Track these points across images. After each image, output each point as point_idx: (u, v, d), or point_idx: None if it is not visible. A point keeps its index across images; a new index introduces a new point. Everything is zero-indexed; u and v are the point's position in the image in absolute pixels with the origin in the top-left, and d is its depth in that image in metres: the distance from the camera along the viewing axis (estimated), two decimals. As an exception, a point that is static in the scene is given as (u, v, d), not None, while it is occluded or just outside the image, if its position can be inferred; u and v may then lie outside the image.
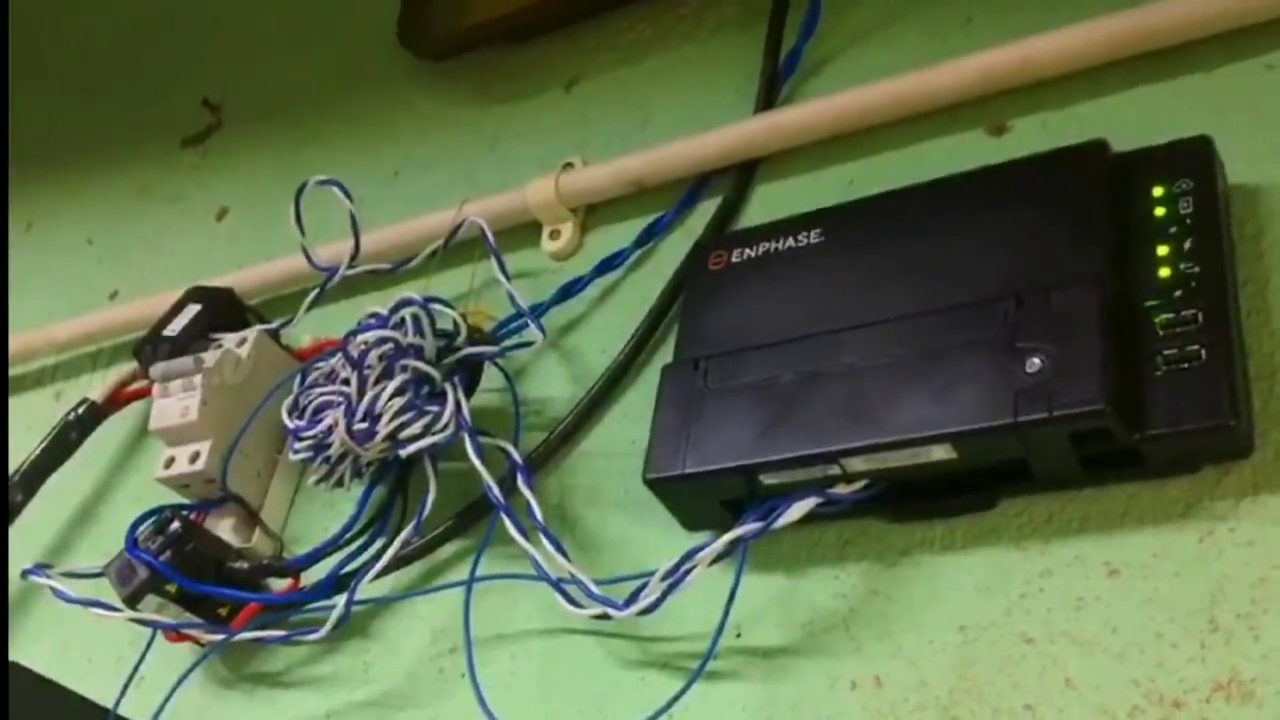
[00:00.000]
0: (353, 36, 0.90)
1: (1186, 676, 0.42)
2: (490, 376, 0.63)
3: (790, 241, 0.55)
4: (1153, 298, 0.46)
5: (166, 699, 0.62)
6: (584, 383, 0.62)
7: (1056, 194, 0.50)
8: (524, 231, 0.70)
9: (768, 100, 0.66)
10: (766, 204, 0.63)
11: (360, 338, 0.58)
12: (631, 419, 0.60)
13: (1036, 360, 0.45)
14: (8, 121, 1.04)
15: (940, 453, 0.47)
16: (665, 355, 0.58)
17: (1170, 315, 0.45)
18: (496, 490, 0.56)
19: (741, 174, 0.65)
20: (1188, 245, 0.47)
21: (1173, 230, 0.47)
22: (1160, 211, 0.48)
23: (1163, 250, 0.47)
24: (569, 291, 0.65)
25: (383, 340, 0.58)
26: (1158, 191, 0.48)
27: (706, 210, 0.65)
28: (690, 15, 0.73)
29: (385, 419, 0.57)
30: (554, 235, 0.69)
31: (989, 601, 0.47)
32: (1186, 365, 0.44)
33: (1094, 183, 0.49)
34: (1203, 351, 0.44)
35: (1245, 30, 0.53)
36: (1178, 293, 0.46)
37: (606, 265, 0.65)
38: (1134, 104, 0.55)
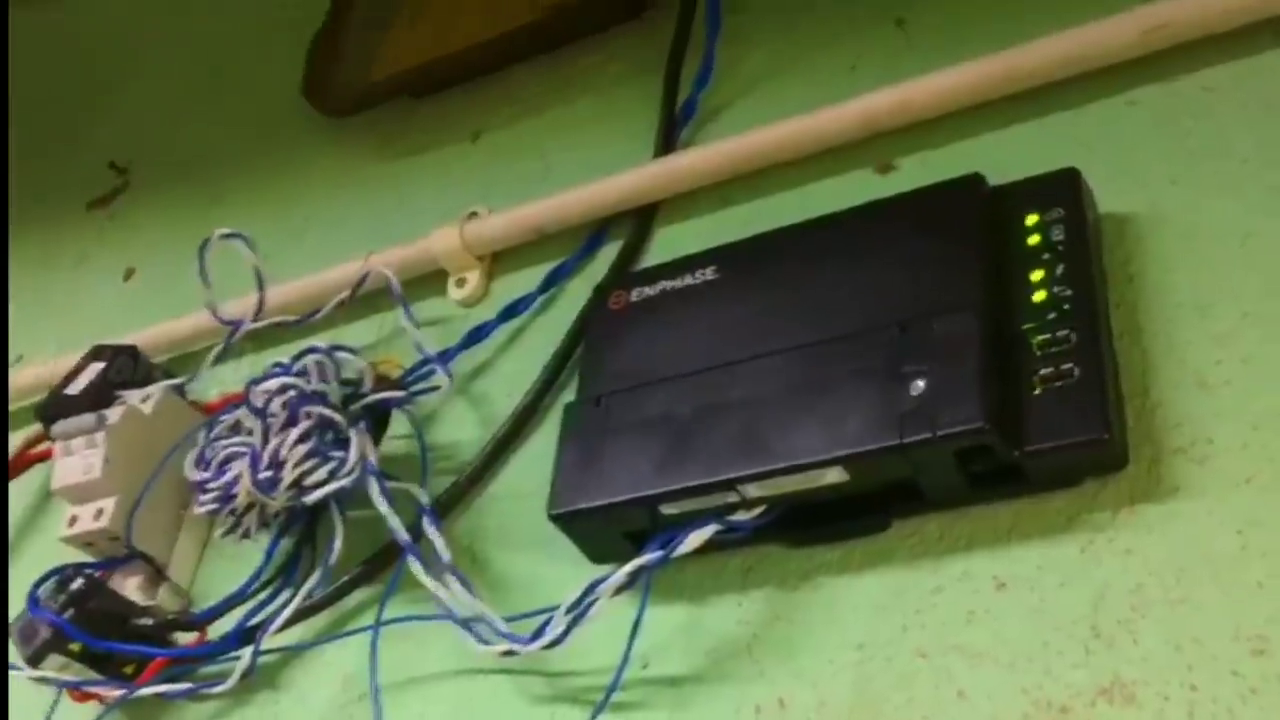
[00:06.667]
0: (258, 95, 0.91)
1: (1072, 682, 0.43)
2: (399, 424, 0.64)
3: (686, 279, 0.57)
4: (1029, 320, 0.48)
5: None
6: (491, 426, 0.63)
7: (936, 226, 0.52)
8: (431, 280, 0.71)
9: (666, 148, 0.68)
10: (666, 246, 0.65)
11: (262, 386, 0.59)
12: (538, 460, 0.60)
13: (920, 384, 0.47)
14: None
15: (833, 476, 0.48)
16: (570, 397, 0.59)
17: (1046, 336, 0.47)
18: (403, 532, 0.56)
19: (641, 218, 0.66)
20: (1060, 270, 0.49)
21: (1046, 256, 0.49)
22: (1034, 239, 0.50)
23: (1037, 275, 0.49)
24: (475, 337, 0.66)
25: (285, 387, 0.58)
26: (1031, 220, 0.50)
27: (609, 255, 0.66)
28: (589, 68, 0.75)
29: (289, 465, 0.57)
30: (460, 283, 0.70)
31: (885, 620, 0.48)
32: (1061, 383, 0.46)
33: (971, 214, 0.51)
34: (1076, 369, 0.46)
35: (1107, 70, 0.56)
36: (1051, 315, 0.48)
37: (512, 311, 0.66)
38: (1008, 140, 0.57)
